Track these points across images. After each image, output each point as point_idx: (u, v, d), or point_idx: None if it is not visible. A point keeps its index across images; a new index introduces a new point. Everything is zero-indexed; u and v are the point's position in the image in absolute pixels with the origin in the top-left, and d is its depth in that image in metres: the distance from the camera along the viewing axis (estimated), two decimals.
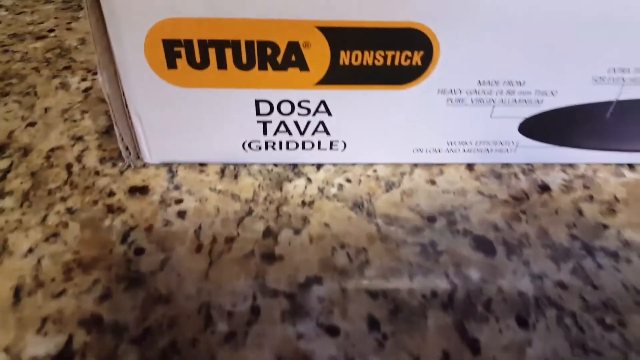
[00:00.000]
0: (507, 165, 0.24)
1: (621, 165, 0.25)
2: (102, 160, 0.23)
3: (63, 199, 0.22)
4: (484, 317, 0.18)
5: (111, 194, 0.22)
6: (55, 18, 0.35)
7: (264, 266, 0.19)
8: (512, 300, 0.19)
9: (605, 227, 0.22)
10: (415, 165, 0.24)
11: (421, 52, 0.20)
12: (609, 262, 0.20)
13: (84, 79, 0.29)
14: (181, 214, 0.21)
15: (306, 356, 0.17)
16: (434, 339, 0.17)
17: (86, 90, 0.28)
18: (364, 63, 0.20)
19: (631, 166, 0.25)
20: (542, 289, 0.19)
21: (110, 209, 0.21)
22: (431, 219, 0.22)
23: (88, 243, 0.20)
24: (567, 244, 0.21)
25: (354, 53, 0.20)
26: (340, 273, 0.19)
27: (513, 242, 0.21)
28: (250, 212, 0.21)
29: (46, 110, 0.26)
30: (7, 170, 0.23)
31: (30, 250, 0.20)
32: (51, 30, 0.33)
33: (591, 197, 0.23)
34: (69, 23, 0.34)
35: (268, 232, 0.21)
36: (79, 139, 0.25)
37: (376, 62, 0.20)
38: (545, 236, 0.21)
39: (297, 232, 0.21)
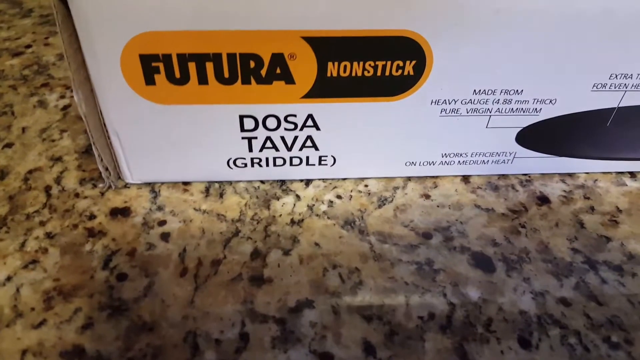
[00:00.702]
0: (503, 176, 0.24)
1: (622, 173, 0.24)
2: (82, 182, 0.22)
3: (42, 224, 0.21)
4: (484, 338, 0.17)
5: (92, 216, 0.21)
6: (33, 33, 0.34)
7: (252, 290, 0.19)
8: (513, 319, 0.18)
9: (607, 239, 0.21)
10: (409, 178, 0.23)
11: (413, 62, 0.19)
12: (612, 276, 0.19)
13: (62, 97, 0.28)
14: (165, 237, 0.20)
15: None
16: None
17: (65, 108, 0.27)
18: (353, 74, 0.19)
19: (632, 174, 0.24)
20: (544, 307, 0.18)
21: (91, 233, 0.20)
22: (426, 236, 0.21)
23: (68, 269, 0.19)
24: (568, 258, 0.20)
25: (342, 64, 0.19)
26: (333, 295, 0.18)
27: (512, 258, 0.20)
28: (237, 232, 0.21)
29: (24, 130, 0.25)
30: None
31: (9, 279, 0.19)
32: (28, 46, 0.32)
33: (592, 208, 0.22)
34: (47, 38, 0.33)
35: (256, 254, 0.20)
36: (58, 159, 0.24)
37: (366, 73, 0.19)
38: (546, 250, 0.20)
39: (286, 252, 0.20)
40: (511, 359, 0.17)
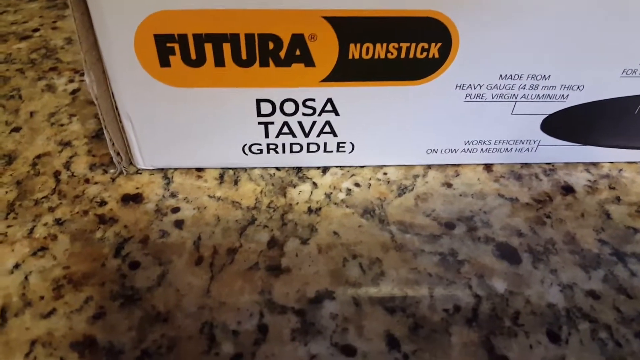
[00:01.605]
0: (526, 165, 0.23)
1: None
2: (92, 167, 0.22)
3: (51, 210, 0.20)
4: (512, 332, 0.17)
5: (102, 203, 0.20)
6: (40, 17, 0.33)
7: (270, 280, 0.18)
8: (541, 312, 0.17)
9: (635, 230, 0.20)
10: (429, 166, 0.22)
11: (439, 44, 0.18)
12: None
13: (71, 81, 0.27)
14: (178, 224, 0.19)
15: None
16: (459, 358, 0.16)
17: (74, 92, 0.26)
18: (376, 57, 0.18)
19: None
20: (573, 300, 0.18)
21: (102, 220, 0.20)
22: (449, 226, 0.20)
23: (79, 257, 0.18)
24: (596, 250, 0.19)
25: (364, 46, 0.18)
26: (353, 286, 0.18)
27: (539, 249, 0.19)
28: (253, 220, 0.20)
29: (32, 114, 0.24)
30: None
31: (17, 266, 0.18)
32: (36, 30, 0.31)
33: (618, 199, 0.21)
34: (54, 22, 0.32)
35: (273, 242, 0.19)
36: (67, 144, 0.23)
37: (389, 56, 0.18)
38: (573, 242, 0.20)
39: (304, 241, 0.19)
40: (540, 353, 0.16)
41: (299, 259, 0.19)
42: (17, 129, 0.24)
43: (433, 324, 0.17)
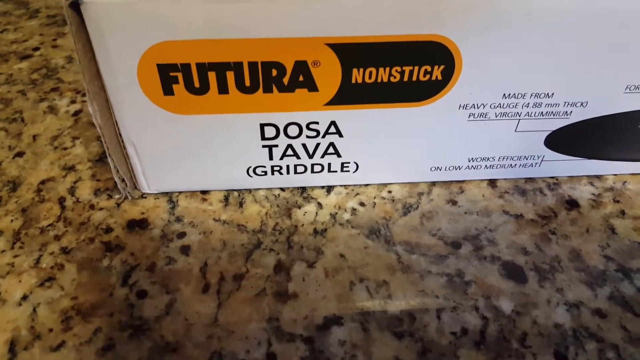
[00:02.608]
0: (530, 179, 0.23)
1: None
2: (96, 192, 0.22)
3: (57, 238, 0.20)
4: (520, 354, 0.17)
5: (108, 229, 0.20)
6: (40, 35, 0.33)
7: (277, 306, 0.18)
8: (548, 333, 0.17)
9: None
10: (433, 183, 0.22)
11: (442, 66, 0.18)
12: None
13: (73, 101, 0.27)
14: (185, 250, 0.20)
15: None
16: None
17: (76, 113, 0.26)
18: (379, 80, 0.18)
19: None
20: (580, 319, 0.18)
21: (108, 247, 0.20)
22: (455, 245, 0.20)
23: (86, 287, 0.18)
24: (601, 267, 0.19)
25: (367, 70, 0.18)
26: (361, 311, 0.18)
27: (544, 267, 0.19)
28: (258, 244, 0.20)
29: (34, 137, 0.24)
30: None
31: (25, 298, 0.18)
32: (36, 49, 0.31)
33: (623, 212, 0.21)
34: (55, 40, 0.32)
35: (279, 267, 0.19)
36: (71, 168, 0.23)
37: (392, 79, 0.18)
38: (578, 258, 0.20)
39: (310, 265, 0.19)
40: None
41: (306, 283, 0.19)
42: (20, 154, 0.24)
43: (441, 348, 0.17)
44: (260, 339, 0.17)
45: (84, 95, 0.27)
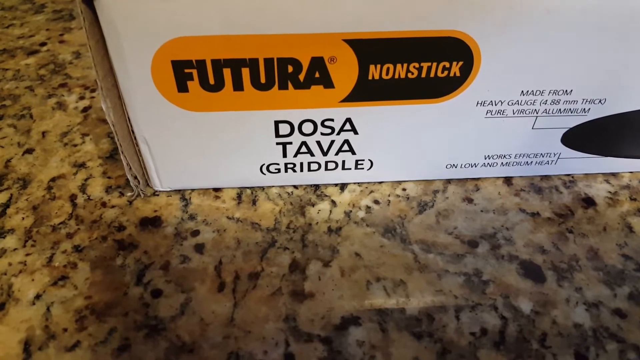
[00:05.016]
0: (546, 177, 0.23)
1: None
2: (108, 189, 0.22)
3: (69, 236, 0.20)
4: (540, 354, 0.17)
5: (121, 227, 0.20)
6: (47, 30, 0.32)
7: (294, 305, 0.18)
8: (568, 333, 0.17)
9: None
10: (449, 181, 0.22)
11: (460, 62, 0.18)
12: None
13: (81, 97, 0.26)
14: (199, 248, 0.19)
15: None
16: None
17: (85, 109, 0.26)
18: (396, 76, 0.18)
19: None
20: (599, 319, 0.18)
21: (122, 246, 0.19)
22: (472, 244, 0.20)
23: (100, 285, 0.18)
24: (620, 266, 0.19)
25: (385, 66, 0.18)
26: (379, 311, 0.17)
27: (562, 266, 0.19)
28: (273, 242, 0.20)
29: (44, 134, 0.24)
30: (7, 205, 0.21)
31: (38, 297, 0.18)
32: (43, 44, 0.31)
33: (639, 210, 0.21)
34: (61, 35, 0.32)
35: (295, 265, 0.19)
36: (82, 165, 0.23)
37: (409, 75, 0.18)
38: (596, 257, 0.19)
39: (326, 264, 0.19)
40: None
41: (322, 282, 0.18)
42: (30, 151, 0.23)
43: (461, 349, 0.17)
44: (278, 340, 0.17)
45: (92, 91, 0.27)
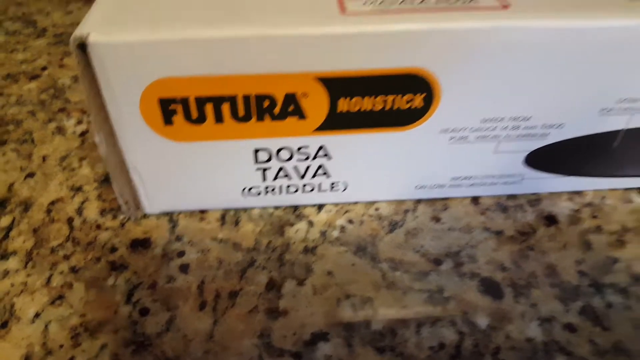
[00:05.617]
0: (512, 196, 0.24)
1: (630, 190, 0.24)
2: (102, 212, 0.23)
3: (66, 257, 0.21)
4: None
5: (113, 249, 0.22)
6: (48, 54, 0.34)
7: (268, 322, 0.19)
8: (520, 347, 0.19)
9: (614, 260, 0.21)
10: (419, 201, 0.24)
11: (423, 95, 0.19)
12: (618, 299, 0.20)
13: (79, 122, 0.28)
14: (184, 268, 0.21)
15: None
16: None
17: (82, 134, 0.27)
18: (364, 109, 0.20)
19: None
20: (551, 334, 0.19)
21: (114, 266, 0.21)
22: (437, 262, 0.21)
23: (93, 305, 0.20)
24: (575, 282, 0.21)
25: (353, 100, 0.19)
26: (346, 327, 0.19)
27: (521, 283, 0.21)
28: (252, 262, 0.21)
29: (44, 158, 0.26)
30: (10, 228, 0.23)
31: (37, 315, 0.20)
32: (44, 68, 0.33)
33: (599, 228, 0.23)
34: (62, 59, 0.34)
35: (271, 284, 0.21)
36: (79, 189, 0.24)
37: (376, 107, 0.20)
38: (554, 274, 0.21)
39: (300, 282, 0.21)
40: None
41: (296, 300, 0.20)
42: (31, 175, 0.25)
43: None
44: (253, 355, 0.18)
45: (89, 115, 0.28)
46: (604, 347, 0.19)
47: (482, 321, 0.19)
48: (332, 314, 0.19)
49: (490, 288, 0.20)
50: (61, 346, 0.19)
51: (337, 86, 0.19)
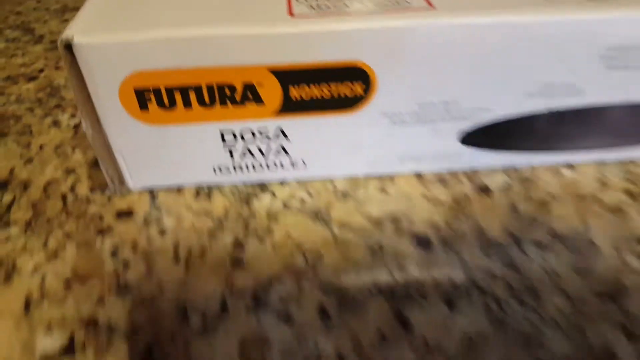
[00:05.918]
0: (454, 173, 0.28)
1: (562, 165, 0.28)
2: (92, 189, 0.27)
3: (60, 226, 0.25)
4: (417, 303, 0.21)
5: (101, 218, 0.25)
6: (45, 59, 0.38)
7: (232, 272, 0.23)
8: (444, 288, 0.22)
9: (535, 220, 0.25)
10: (370, 177, 0.27)
11: (361, 83, 0.23)
12: (534, 251, 0.23)
13: (73, 116, 0.32)
14: (161, 232, 0.25)
15: (266, 339, 0.20)
16: (373, 320, 0.21)
17: (75, 127, 0.31)
18: (312, 96, 0.23)
19: (571, 166, 0.28)
20: (472, 277, 0.22)
21: (101, 232, 0.25)
22: (380, 225, 0.25)
23: (83, 260, 0.23)
24: (499, 239, 0.24)
25: (302, 87, 0.23)
26: (298, 274, 0.23)
27: (450, 239, 0.24)
28: (221, 226, 0.25)
29: (41, 147, 0.30)
30: (11, 204, 0.26)
31: (35, 270, 0.23)
32: (41, 71, 0.37)
33: (528, 197, 0.26)
34: (57, 63, 0.37)
35: (236, 243, 0.24)
36: (72, 171, 0.28)
37: (322, 94, 0.23)
38: (481, 232, 0.24)
39: (262, 241, 0.24)
40: (439, 316, 0.21)
41: (257, 254, 0.23)
42: (30, 160, 0.29)
43: (357, 300, 0.22)
44: (217, 294, 0.22)
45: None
46: (520, 290, 0.22)
47: (413, 268, 0.23)
48: (287, 264, 0.23)
49: (423, 242, 0.24)
50: (55, 292, 0.22)
51: (287, 76, 0.23)
